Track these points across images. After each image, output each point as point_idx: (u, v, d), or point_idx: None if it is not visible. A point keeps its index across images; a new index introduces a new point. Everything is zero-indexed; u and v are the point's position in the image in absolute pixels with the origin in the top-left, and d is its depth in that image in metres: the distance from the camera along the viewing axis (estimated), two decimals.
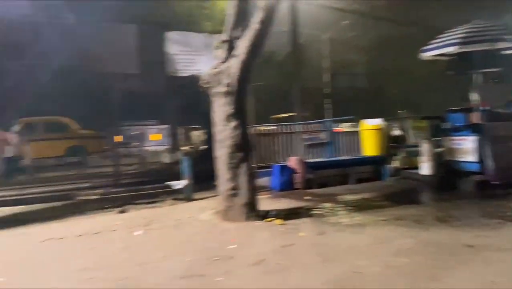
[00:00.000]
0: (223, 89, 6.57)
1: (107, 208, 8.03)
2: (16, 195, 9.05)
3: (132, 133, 17.15)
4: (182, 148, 17.38)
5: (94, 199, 8.66)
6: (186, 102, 15.57)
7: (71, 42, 14.13)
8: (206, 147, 17.78)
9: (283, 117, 17.52)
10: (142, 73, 10.93)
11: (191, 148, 19.74)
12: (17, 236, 6.20)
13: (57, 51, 16.09)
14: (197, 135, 21.28)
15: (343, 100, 17.70)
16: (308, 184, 9.00)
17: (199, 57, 10.41)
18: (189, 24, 12.81)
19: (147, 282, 3.99)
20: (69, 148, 15.79)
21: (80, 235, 5.94)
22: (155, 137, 18.01)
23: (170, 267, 4.42)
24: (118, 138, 16.13)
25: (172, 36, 10.28)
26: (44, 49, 16.11)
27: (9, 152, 12.51)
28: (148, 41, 10.74)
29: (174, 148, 16.44)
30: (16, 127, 14.02)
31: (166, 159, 14.87)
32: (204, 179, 9.09)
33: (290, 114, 16.70)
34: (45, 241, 5.70)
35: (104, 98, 13.01)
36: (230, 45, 6.81)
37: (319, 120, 11.11)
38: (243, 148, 6.58)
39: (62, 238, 5.84)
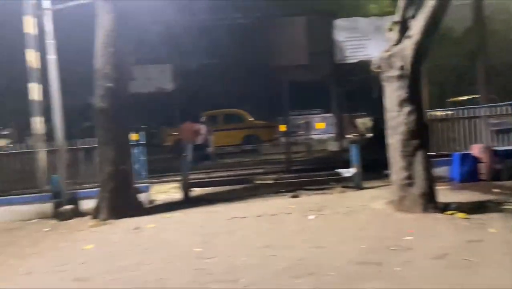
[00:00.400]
0: (396, 73, 6.28)
1: (280, 192, 8.55)
2: (204, 178, 10.32)
3: (299, 122, 17.79)
4: (348, 136, 17.25)
5: (269, 183, 9.31)
6: (352, 90, 15.38)
7: (243, 40, 15.34)
8: (372, 134, 17.31)
9: (462, 100, 15.83)
10: (310, 64, 11.21)
11: (357, 135, 19.47)
12: (207, 213, 7.09)
13: (231, 50, 17.69)
14: (362, 122, 20.85)
15: None
16: (496, 175, 7.97)
17: (368, 42, 10.15)
18: (354, 8, 12.57)
19: (323, 264, 4.13)
20: (245, 137, 17.34)
21: (259, 216, 6.48)
22: (320, 126, 18.33)
23: (345, 252, 4.48)
24: (283, 128, 16.93)
25: (339, 23, 10.25)
26: (218, 49, 17.93)
27: (198, 140, 14.41)
28: (316, 31, 10.95)
29: (340, 136, 16.42)
30: (203, 120, 15.97)
31: (333, 146, 14.98)
32: (372, 167, 8.89)
33: (471, 96, 14.96)
34: (231, 219, 6.39)
35: (274, 91, 13.76)
36: (403, 26, 6.44)
37: (510, 102, 9.63)
38: (419, 134, 6.19)
39: (244, 217, 6.47)
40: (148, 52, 15.63)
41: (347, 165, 8.98)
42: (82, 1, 7.90)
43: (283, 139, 16.34)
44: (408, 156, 6.16)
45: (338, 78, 13.74)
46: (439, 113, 10.19)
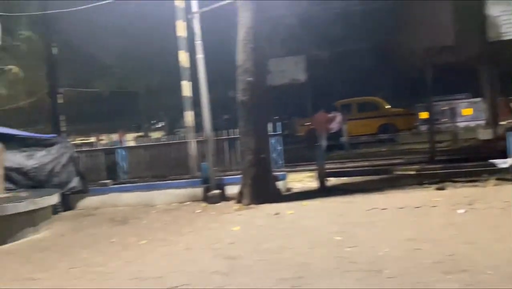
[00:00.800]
0: None
1: (424, 184, 8.04)
2: (339, 168, 10.26)
3: (442, 108, 16.39)
4: (503, 122, 15.32)
5: (411, 174, 8.82)
6: (507, 71, 13.58)
7: (379, 24, 14.71)
8: None
9: None
10: (457, 44, 10.21)
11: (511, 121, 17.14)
12: (345, 203, 7.05)
13: (366, 35, 17.12)
14: None
15: None
16: None
17: None
18: None
19: (478, 262, 3.79)
20: (381, 126, 16.65)
21: (401, 208, 6.21)
22: (468, 112, 16.61)
23: (503, 250, 4.04)
24: (425, 115, 15.76)
25: None
26: (354, 35, 17.48)
27: (332, 130, 14.39)
28: (464, 8, 9.92)
29: (493, 123, 14.67)
30: (336, 109, 15.86)
31: (484, 135, 13.46)
32: None
33: None
34: (371, 210, 6.26)
35: (415, 76, 12.96)
36: None
37: None
38: None
39: (384, 208, 6.27)
40: (282, 45, 16.12)
41: (502, 155, 8.03)
42: (225, 1, 8.47)
43: (423, 128, 15.27)
44: None
45: (490, 58, 12.26)
46: None
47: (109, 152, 10.30)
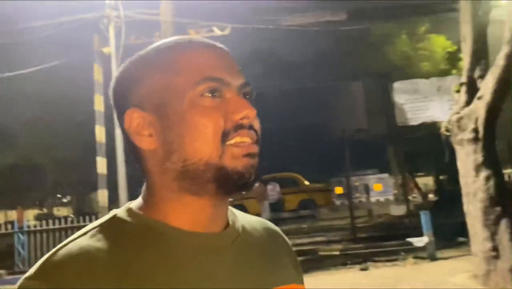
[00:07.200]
0: (468, 135, 5.93)
1: (347, 264, 8.02)
2: None
3: (355, 183, 17.23)
4: (410, 198, 16.43)
5: (335, 254, 8.78)
6: (413, 151, 14.86)
7: (298, 105, 15.54)
8: (438, 196, 16.36)
9: None
10: (370, 126, 11.05)
11: (416, 197, 18.51)
12: None
13: (286, 114, 17.95)
14: (424, 183, 19.92)
15: None
16: None
17: (430, 103, 9.89)
18: (406, 68, 12.45)
19: None
20: (300, 201, 16.90)
21: None
22: (378, 187, 17.63)
23: None
24: (339, 190, 16.41)
25: (398, 86, 10.17)
26: (273, 114, 18.26)
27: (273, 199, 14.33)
28: (374, 95, 10.93)
29: (401, 198, 15.67)
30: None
31: (395, 210, 14.24)
32: (442, 234, 8.27)
33: None
34: None
35: (332, 153, 13.65)
36: (471, 87, 6.21)
37: None
38: (501, 201, 5.69)
39: None
40: None
41: (415, 232, 8.39)
42: None
43: (338, 203, 15.79)
44: (491, 225, 5.62)
45: (398, 139, 13.39)
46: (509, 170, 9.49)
47: (4, 234, 9.00)
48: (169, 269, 0.59)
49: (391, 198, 17.23)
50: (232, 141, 0.62)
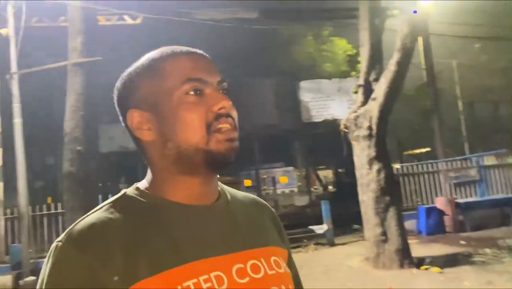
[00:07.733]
0: (363, 132, 6.59)
1: None
2: None
3: (263, 176, 17.90)
4: (312, 189, 17.50)
5: None
6: (315, 146, 15.83)
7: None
8: (336, 188, 17.66)
9: (418, 153, 16.66)
10: (279, 122, 11.59)
11: (318, 188, 19.79)
12: None
13: None
14: (324, 176, 21.30)
15: (484, 131, 16.21)
16: (461, 227, 8.32)
17: (331, 102, 10.70)
18: (311, 68, 13.25)
19: None
20: None
21: None
22: (284, 180, 18.50)
23: None
24: (248, 182, 16.94)
25: (304, 85, 10.83)
26: None
27: None
28: (283, 92, 11.48)
29: (305, 190, 16.65)
30: None
31: (299, 201, 15.12)
32: (340, 222, 9.00)
33: (426, 150, 15.81)
34: None
35: (242, 147, 14.04)
36: (367, 88, 6.87)
37: (465, 156, 10.27)
38: (390, 191, 6.44)
39: None
40: (110, 111, 15.54)
41: (316, 220, 9.03)
42: (52, 66, 7.84)
43: None
44: (381, 212, 6.34)
45: (302, 135, 14.17)
46: (397, 166, 10.67)
47: None
48: (169, 233, 0.75)
49: (295, 189, 18.24)
50: (215, 128, 0.77)
